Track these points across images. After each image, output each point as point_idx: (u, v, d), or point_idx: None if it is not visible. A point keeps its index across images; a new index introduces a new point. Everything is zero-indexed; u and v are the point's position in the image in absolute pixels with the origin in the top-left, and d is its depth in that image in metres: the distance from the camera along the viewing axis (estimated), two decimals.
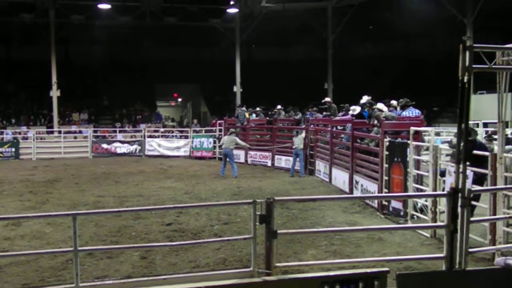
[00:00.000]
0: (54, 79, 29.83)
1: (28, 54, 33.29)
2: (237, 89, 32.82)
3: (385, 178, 11.59)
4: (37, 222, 10.61)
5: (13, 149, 26.98)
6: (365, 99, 15.80)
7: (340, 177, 15.47)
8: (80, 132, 30.48)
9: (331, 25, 32.27)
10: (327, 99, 21.63)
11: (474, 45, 5.55)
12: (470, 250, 5.87)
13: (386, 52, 35.24)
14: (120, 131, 30.22)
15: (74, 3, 29.24)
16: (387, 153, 11.59)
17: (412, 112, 13.74)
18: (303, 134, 18.77)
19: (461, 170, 5.57)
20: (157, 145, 27.35)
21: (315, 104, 22.88)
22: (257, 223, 5.56)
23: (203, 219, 11.09)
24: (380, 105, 14.28)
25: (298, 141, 18.49)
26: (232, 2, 30.53)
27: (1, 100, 32.86)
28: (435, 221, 9.36)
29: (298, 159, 18.46)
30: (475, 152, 8.31)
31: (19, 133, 29.39)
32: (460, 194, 5.59)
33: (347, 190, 14.57)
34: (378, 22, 34.33)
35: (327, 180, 16.75)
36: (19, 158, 26.59)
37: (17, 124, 31.37)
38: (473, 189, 6.35)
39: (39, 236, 9.91)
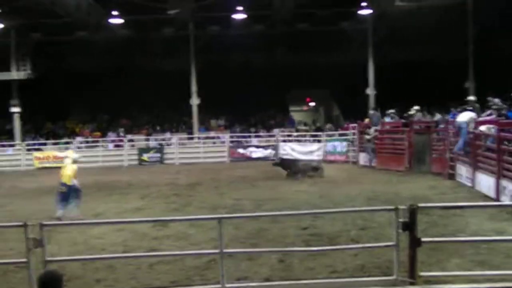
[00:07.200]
0: (193, 88, 31.62)
1: (170, 65, 35.46)
2: (370, 91, 32.17)
3: None
4: (181, 224, 11.26)
5: (159, 155, 29.06)
6: None
7: (485, 182, 14.45)
8: (218, 137, 31.87)
9: (471, 21, 30.32)
10: (471, 97, 20.30)
11: None
12: None
13: None
14: (255, 136, 31.13)
15: (211, 15, 30.72)
16: None
17: None
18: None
19: None
20: (290, 149, 27.68)
21: (456, 104, 21.68)
22: (400, 230, 5.37)
23: (339, 223, 10.97)
24: None
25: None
26: (364, 4, 30.00)
27: (148, 110, 35.46)
28: None
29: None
30: None
31: (163, 140, 31.52)
32: None
33: (492, 195, 13.56)
34: None
35: (470, 184, 15.74)
36: (163, 163, 28.53)
37: (162, 131, 33.61)
38: None
39: (183, 236, 10.48)
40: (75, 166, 13.56)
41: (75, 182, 13.36)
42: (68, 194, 13.17)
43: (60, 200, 13.13)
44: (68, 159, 13.89)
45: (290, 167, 20.23)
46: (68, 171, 13.35)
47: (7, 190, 19.54)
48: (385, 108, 25.50)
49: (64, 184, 13.18)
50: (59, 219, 12.55)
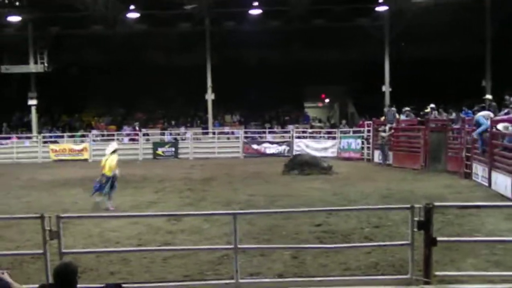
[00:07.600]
0: (209, 83, 31.72)
1: (186, 60, 35.56)
2: (386, 88, 31.97)
3: None
4: (195, 218, 11.30)
5: (173, 149, 29.20)
6: None
7: (501, 181, 14.30)
8: (232, 133, 31.93)
9: (489, 19, 29.95)
10: (488, 96, 20.10)
11: None
12: None
13: None
14: (269, 132, 31.13)
15: (227, 10, 30.74)
16: None
17: None
18: None
19: None
20: (304, 146, 27.66)
21: (471, 103, 21.44)
22: (415, 229, 5.34)
23: (353, 221, 10.93)
24: None
25: None
26: (381, 0, 29.79)
27: (163, 104, 35.61)
28: None
29: None
30: None
31: (178, 134, 31.65)
32: None
33: (509, 195, 13.41)
34: None
35: (486, 184, 15.59)
36: (178, 157, 28.66)
37: (177, 126, 33.74)
38: None
39: (197, 231, 10.51)
40: (115, 157, 13.65)
41: (116, 172, 13.50)
42: (106, 184, 13.36)
43: (96, 188, 13.42)
44: (109, 149, 13.94)
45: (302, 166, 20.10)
46: (110, 162, 13.48)
47: (25, 182, 19.78)
48: (401, 105, 25.32)
49: (104, 175, 13.38)
50: (106, 207, 13.14)
